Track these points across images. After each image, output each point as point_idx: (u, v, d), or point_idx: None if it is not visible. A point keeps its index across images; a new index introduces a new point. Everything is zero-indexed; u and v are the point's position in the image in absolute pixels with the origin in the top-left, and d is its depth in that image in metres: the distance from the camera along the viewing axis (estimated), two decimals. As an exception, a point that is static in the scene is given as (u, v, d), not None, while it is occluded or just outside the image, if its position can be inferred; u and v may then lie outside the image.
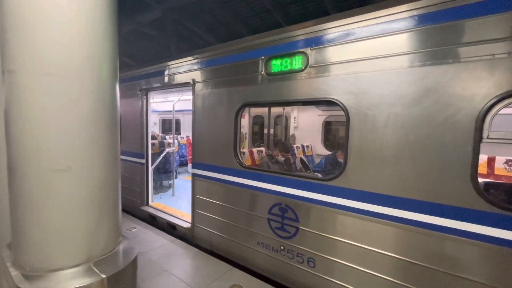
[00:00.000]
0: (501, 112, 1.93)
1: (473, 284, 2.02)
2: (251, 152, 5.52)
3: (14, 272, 2.11)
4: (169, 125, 13.69)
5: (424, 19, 2.17)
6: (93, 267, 2.19)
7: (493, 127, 1.95)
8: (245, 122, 9.22)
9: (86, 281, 2.04)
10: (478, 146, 1.97)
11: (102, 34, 2.23)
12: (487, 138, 1.95)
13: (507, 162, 5.05)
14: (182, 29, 7.92)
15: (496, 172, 5.11)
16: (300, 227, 2.94)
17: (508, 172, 5.01)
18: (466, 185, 2.01)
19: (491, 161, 5.18)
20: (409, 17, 2.23)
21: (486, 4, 1.93)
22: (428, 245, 2.19)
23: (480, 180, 2.05)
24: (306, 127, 7.97)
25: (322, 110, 7.50)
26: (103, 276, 2.10)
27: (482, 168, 5.15)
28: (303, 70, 2.86)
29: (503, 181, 4.89)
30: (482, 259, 2.00)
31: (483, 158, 5.18)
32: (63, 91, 2.03)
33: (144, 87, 5.04)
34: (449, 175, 2.08)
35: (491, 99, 1.91)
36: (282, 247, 3.11)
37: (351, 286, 2.62)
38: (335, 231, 2.70)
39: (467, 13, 2.00)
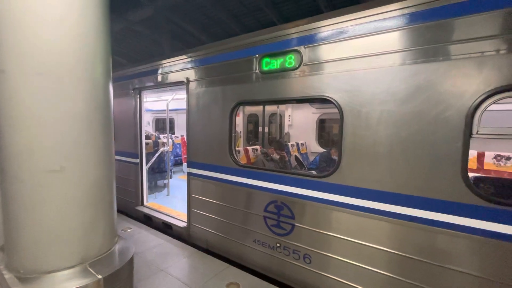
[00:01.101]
0: (489, 108, 1.98)
1: (464, 276, 2.08)
2: (246, 151, 5.53)
3: (7, 275, 2.08)
4: (163, 125, 13.58)
5: (415, 17, 2.20)
6: (89, 268, 2.17)
7: (482, 123, 2.00)
8: (239, 121, 9.21)
9: (82, 282, 2.03)
10: (468, 141, 2.02)
11: (94, 33, 2.21)
12: (477, 133, 2.00)
13: (496, 157, 5.17)
14: (175, 27, 7.85)
15: (485, 167, 5.23)
16: (296, 224, 2.97)
17: (497, 167, 5.14)
18: (457, 180, 2.06)
19: (480, 156, 5.30)
20: (400, 15, 2.26)
21: (475, 3, 1.98)
22: (421, 239, 2.24)
23: (470, 174, 2.10)
24: (300, 125, 8.00)
25: (316, 108, 7.54)
26: (99, 276, 2.09)
27: (472, 163, 5.27)
28: (297, 68, 2.87)
29: (492, 175, 5.01)
30: (473, 252, 2.05)
31: (472, 153, 5.30)
32: (55, 91, 2.01)
33: (137, 86, 4.99)
34: (440, 170, 2.13)
35: (480, 96, 1.95)
36: (278, 244, 3.13)
37: (346, 281, 2.66)
38: (330, 227, 2.74)
39: (456, 11, 2.04)
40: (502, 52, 1.89)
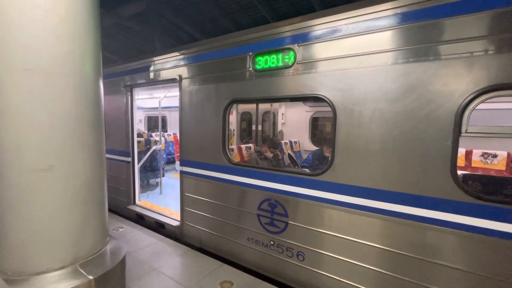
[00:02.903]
0: (478, 107, 2.03)
1: (453, 271, 2.14)
2: (239, 149, 5.51)
3: (-6, 277, 2.02)
4: (155, 122, 13.42)
5: (407, 17, 2.23)
6: (80, 269, 2.13)
7: (471, 122, 2.05)
8: (233, 119, 9.18)
9: (73, 283, 1.99)
10: (457, 140, 2.06)
11: (84, 28, 2.15)
12: (466, 132, 2.05)
13: (483, 155, 5.32)
14: (167, 24, 7.73)
15: (473, 165, 5.38)
16: (290, 221, 2.99)
17: (484, 164, 5.28)
18: (446, 177, 2.11)
19: (468, 154, 5.44)
20: (393, 14, 2.29)
21: (465, 3, 2.01)
22: (412, 236, 2.29)
23: (459, 172, 2.16)
24: (293, 123, 8.03)
25: (310, 106, 7.58)
26: (90, 277, 2.06)
27: (460, 161, 5.41)
28: (290, 66, 2.87)
29: (480, 173, 5.15)
30: (462, 247, 2.11)
31: (461, 151, 5.44)
32: (43, 87, 1.95)
33: (128, 83, 4.90)
34: (430, 168, 2.17)
35: (469, 95, 2.00)
36: (272, 242, 3.15)
37: (339, 277, 2.69)
38: (323, 225, 2.76)
39: (447, 11, 2.07)
40: (490, 52, 1.93)
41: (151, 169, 6.88)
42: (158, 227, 4.62)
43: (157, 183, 6.97)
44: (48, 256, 2.06)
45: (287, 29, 2.89)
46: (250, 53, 3.19)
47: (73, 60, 2.09)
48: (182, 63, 3.96)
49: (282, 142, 7.01)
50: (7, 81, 1.88)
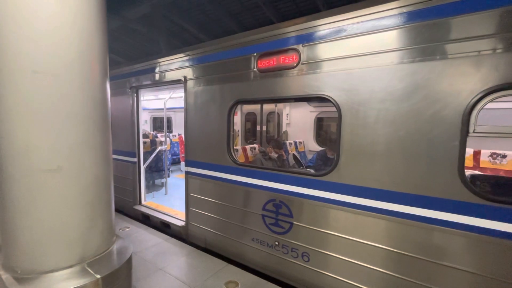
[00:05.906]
0: (486, 106, 2.00)
1: (461, 273, 2.10)
2: (244, 149, 5.52)
3: (4, 275, 2.06)
4: (160, 123, 13.53)
5: (413, 16, 2.21)
6: (87, 268, 2.16)
7: (479, 122, 2.02)
8: (237, 119, 9.20)
9: (80, 282, 2.02)
10: (465, 140, 2.03)
11: (91, 30, 2.18)
12: (473, 132, 2.02)
13: (491, 155, 5.22)
14: (172, 25, 7.79)
15: (481, 165, 5.28)
16: (294, 222, 2.98)
17: (492, 164, 5.19)
18: (454, 178, 2.08)
19: (476, 154, 5.35)
20: (398, 14, 2.27)
21: (471, 1, 1.99)
22: (418, 237, 2.26)
23: (467, 172, 2.12)
24: (298, 124, 8.01)
25: (314, 107, 7.55)
26: (98, 276, 2.09)
27: (468, 161, 5.32)
28: (295, 67, 2.87)
29: (488, 173, 5.06)
30: (469, 249, 2.08)
31: (469, 151, 5.34)
32: (51, 89, 1.98)
33: (134, 84, 4.96)
34: (438, 169, 2.14)
35: (477, 95, 1.97)
36: (276, 243, 3.14)
37: (344, 278, 2.68)
38: (328, 226, 2.75)
39: (454, 10, 2.04)
40: (498, 51, 1.90)
41: (157, 170, 6.94)
42: (164, 227, 4.65)
43: (162, 183, 7.03)
44: (57, 255, 2.10)
45: (292, 29, 2.89)
46: (255, 54, 3.19)
47: (80, 62, 2.12)
48: (187, 64, 3.99)
49: (287, 142, 7.00)
50: (16, 83, 1.92)
